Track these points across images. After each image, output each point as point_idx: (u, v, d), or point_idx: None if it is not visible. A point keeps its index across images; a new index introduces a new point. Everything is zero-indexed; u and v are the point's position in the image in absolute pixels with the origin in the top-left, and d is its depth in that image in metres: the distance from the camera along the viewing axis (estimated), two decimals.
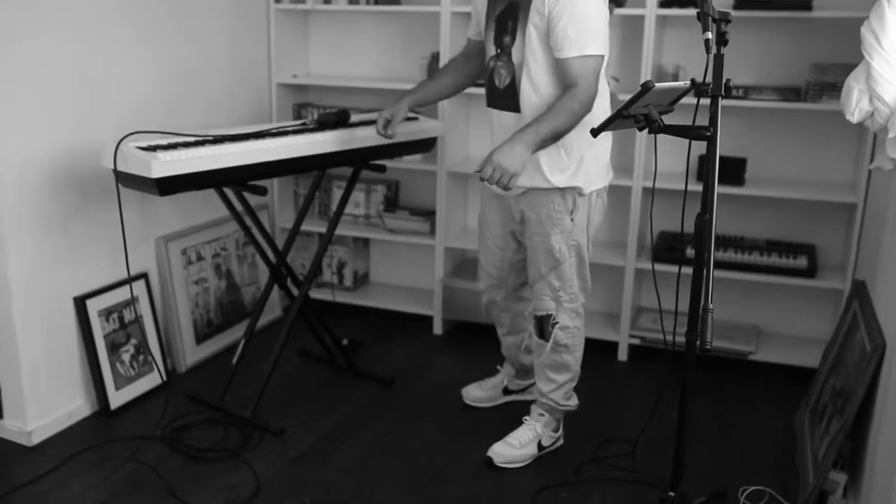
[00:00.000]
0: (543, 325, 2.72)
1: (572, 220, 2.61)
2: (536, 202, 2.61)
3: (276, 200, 4.01)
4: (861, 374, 2.45)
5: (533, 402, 2.91)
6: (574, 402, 2.87)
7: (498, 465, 2.74)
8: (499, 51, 2.56)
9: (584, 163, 2.57)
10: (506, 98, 2.57)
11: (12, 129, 2.62)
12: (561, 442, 2.89)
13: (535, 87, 2.50)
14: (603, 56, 2.45)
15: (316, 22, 4.07)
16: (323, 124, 2.97)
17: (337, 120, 2.98)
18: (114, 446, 2.82)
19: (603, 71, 2.50)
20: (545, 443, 2.82)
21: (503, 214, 2.76)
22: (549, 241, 2.62)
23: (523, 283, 2.91)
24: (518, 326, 3.02)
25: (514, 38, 2.51)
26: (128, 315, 3.12)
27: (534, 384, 3.18)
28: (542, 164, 2.55)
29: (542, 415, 2.83)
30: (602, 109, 2.54)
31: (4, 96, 2.58)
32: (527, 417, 2.86)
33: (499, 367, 3.23)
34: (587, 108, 2.43)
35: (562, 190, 2.57)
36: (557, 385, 2.79)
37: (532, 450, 2.78)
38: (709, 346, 1.79)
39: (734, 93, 3.27)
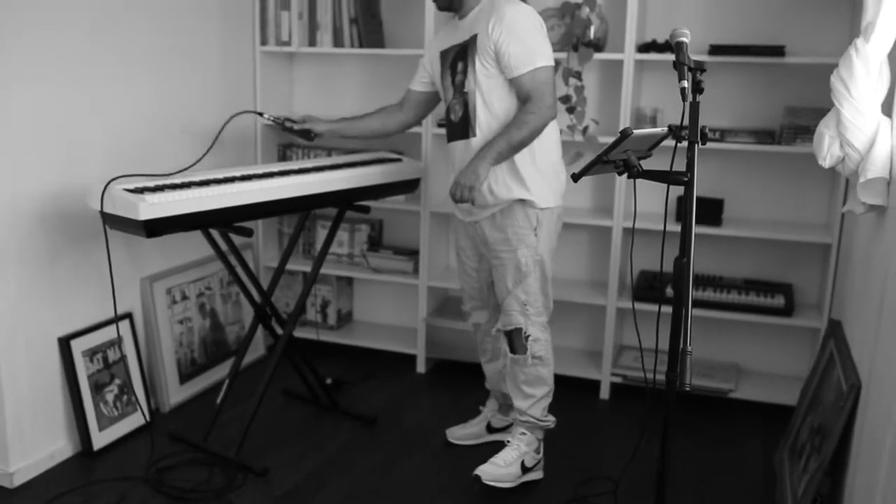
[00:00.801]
0: (515, 340, 2.82)
1: (536, 235, 2.76)
2: (501, 222, 2.77)
3: (261, 239, 4.03)
4: (838, 412, 2.49)
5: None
6: (552, 419, 2.93)
7: (486, 482, 2.77)
8: (454, 91, 2.79)
9: (540, 177, 2.75)
10: (459, 129, 2.79)
11: (2, 172, 2.64)
12: (541, 467, 2.91)
13: (491, 110, 2.71)
14: (551, 66, 2.67)
15: (301, 63, 4.13)
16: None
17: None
18: (96, 488, 2.80)
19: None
20: (528, 463, 2.85)
21: (473, 238, 2.92)
22: (517, 255, 2.76)
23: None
24: (500, 350, 3.05)
25: (465, 75, 2.75)
26: (112, 355, 3.12)
27: None
28: (502, 180, 2.73)
29: (523, 434, 2.88)
30: (550, 127, 2.75)
31: None
32: (509, 439, 2.90)
33: (481, 406, 3.25)
34: (544, 117, 2.65)
35: (523, 206, 2.74)
36: (536, 399, 2.85)
37: (516, 469, 2.81)
38: (687, 388, 1.82)
39: (711, 135, 3.35)
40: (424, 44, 3.56)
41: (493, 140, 2.66)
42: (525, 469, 2.85)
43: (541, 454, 2.92)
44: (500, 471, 2.80)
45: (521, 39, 2.62)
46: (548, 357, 2.85)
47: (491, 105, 2.71)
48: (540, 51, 2.64)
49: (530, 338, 2.80)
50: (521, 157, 2.70)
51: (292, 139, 4.13)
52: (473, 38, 2.70)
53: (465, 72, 2.75)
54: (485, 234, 2.83)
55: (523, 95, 2.65)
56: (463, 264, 3.03)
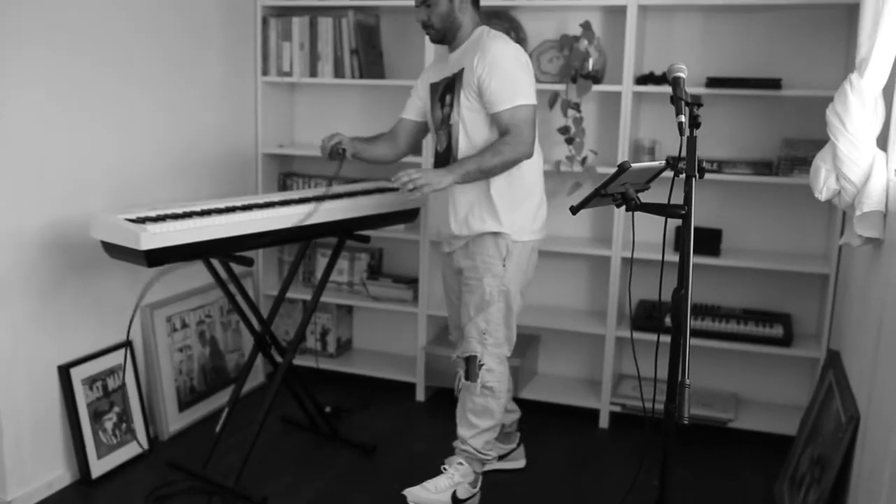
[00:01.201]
0: (470, 366, 2.80)
1: (504, 266, 2.77)
2: (472, 250, 2.81)
3: (261, 267, 4.05)
4: (837, 444, 2.49)
5: (514, 470, 2.92)
6: (494, 453, 2.90)
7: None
8: (441, 122, 2.86)
9: (516, 213, 2.79)
10: (442, 158, 2.86)
11: (3, 199, 2.66)
12: (477, 500, 2.87)
13: (472, 143, 2.77)
14: (533, 105, 2.72)
15: (302, 93, 4.16)
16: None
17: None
18: None
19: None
20: (461, 494, 2.79)
21: (452, 267, 2.97)
22: (482, 283, 2.77)
23: None
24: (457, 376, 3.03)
25: (451, 108, 2.80)
26: (112, 383, 3.13)
27: (515, 449, 3.20)
28: (476, 212, 2.78)
29: (460, 463, 2.83)
30: (533, 165, 2.82)
31: None
32: (445, 466, 2.86)
33: None
34: (519, 152, 2.69)
35: (495, 237, 2.77)
36: (479, 430, 2.81)
37: (446, 498, 2.76)
38: (686, 421, 1.83)
39: (709, 166, 3.38)
40: None
41: (465, 159, 2.71)
42: (456, 500, 2.78)
43: (477, 489, 2.86)
44: (428, 496, 2.74)
45: (503, 76, 2.66)
46: (500, 390, 2.81)
47: (472, 138, 2.77)
48: (521, 89, 2.69)
49: (484, 367, 2.76)
50: (498, 193, 2.75)
51: (293, 168, 4.17)
52: (460, 72, 2.76)
53: (451, 104, 2.80)
54: (458, 263, 2.89)
55: (502, 131, 2.70)
56: (447, 293, 3.08)
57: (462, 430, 2.85)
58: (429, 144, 3.51)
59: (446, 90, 2.82)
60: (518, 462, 3.23)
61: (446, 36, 2.82)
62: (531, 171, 2.82)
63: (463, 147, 2.78)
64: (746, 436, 3.51)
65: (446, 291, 3.09)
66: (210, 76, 3.63)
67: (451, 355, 2.98)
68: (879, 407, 2.22)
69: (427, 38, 2.95)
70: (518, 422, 3.26)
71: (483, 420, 2.81)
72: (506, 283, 2.78)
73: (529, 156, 2.72)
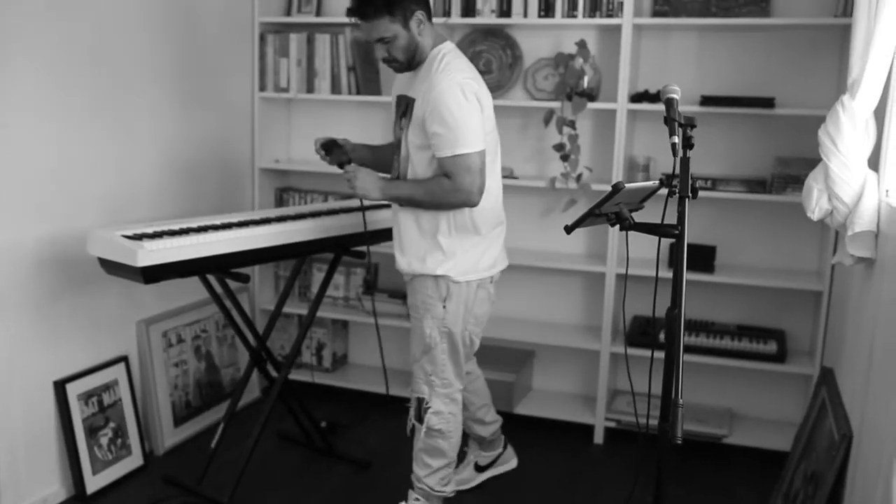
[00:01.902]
0: (419, 408, 2.74)
1: (444, 307, 2.66)
2: (415, 287, 2.71)
3: (257, 282, 4.06)
4: (830, 461, 2.50)
5: (505, 473, 2.91)
6: (450, 488, 2.84)
7: None
8: (397, 143, 2.73)
9: (458, 256, 2.64)
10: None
11: (1, 218, 2.67)
12: None
13: (416, 175, 2.64)
14: (478, 152, 2.51)
15: (299, 109, 4.18)
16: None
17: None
18: None
19: (488, 167, 2.60)
20: None
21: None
22: (422, 324, 2.68)
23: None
24: (466, 400, 2.99)
25: (403, 133, 2.66)
26: (107, 398, 3.13)
27: (502, 453, 3.20)
28: (419, 252, 2.67)
29: (417, 500, 2.82)
30: (483, 211, 2.64)
31: None
32: (404, 502, 2.84)
33: (465, 448, 3.22)
34: (455, 200, 2.54)
35: (435, 278, 2.65)
36: (432, 470, 2.78)
37: None
38: (679, 441, 1.84)
39: (703, 184, 3.40)
40: None
41: (402, 183, 2.63)
42: None
43: None
44: None
45: (445, 122, 2.47)
46: (449, 430, 2.74)
47: (417, 171, 2.63)
48: (463, 137, 2.48)
49: (430, 410, 2.71)
50: (445, 239, 2.63)
51: (290, 183, 4.18)
52: (413, 102, 2.59)
53: (404, 129, 2.66)
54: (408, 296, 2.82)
55: (444, 175, 2.55)
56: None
57: (417, 469, 2.80)
58: None
59: (405, 111, 2.65)
60: (510, 463, 3.23)
61: (412, 63, 2.60)
62: (481, 217, 2.65)
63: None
64: (741, 451, 3.52)
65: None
66: (208, 92, 3.65)
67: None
68: (872, 426, 2.23)
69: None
70: (500, 428, 3.21)
71: (435, 460, 2.77)
72: (447, 324, 2.67)
73: (470, 204, 2.55)
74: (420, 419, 2.74)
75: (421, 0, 2.53)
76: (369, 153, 2.96)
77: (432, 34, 2.60)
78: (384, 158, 2.90)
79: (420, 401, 2.74)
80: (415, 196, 2.59)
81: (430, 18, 2.59)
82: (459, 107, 2.48)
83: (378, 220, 3.17)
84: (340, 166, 2.80)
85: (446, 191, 2.53)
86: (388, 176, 2.76)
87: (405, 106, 2.64)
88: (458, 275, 2.65)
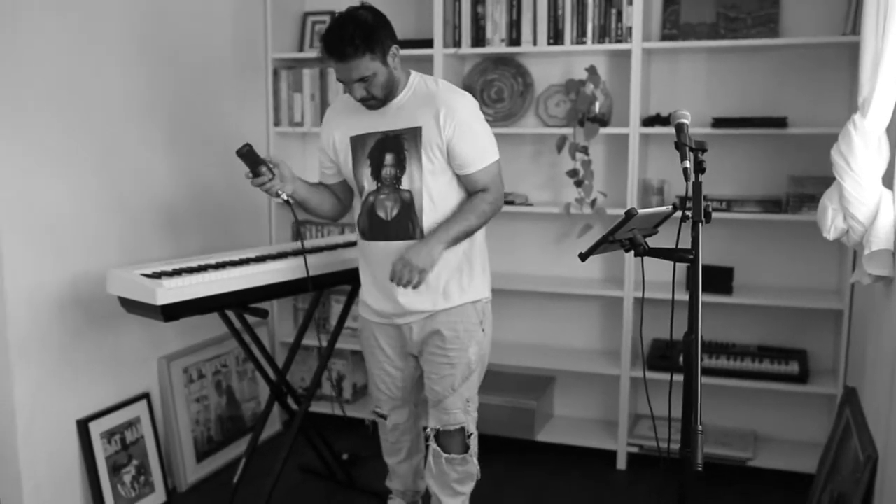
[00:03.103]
0: (457, 439, 2.66)
1: (483, 330, 2.64)
2: (452, 318, 2.58)
3: (276, 315, 4.07)
4: (856, 484, 2.47)
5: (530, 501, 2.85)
6: None
7: None
8: (379, 184, 2.54)
9: (483, 272, 2.66)
10: (398, 228, 2.54)
11: (23, 258, 2.72)
12: None
13: (438, 209, 2.52)
14: (498, 157, 2.58)
15: (313, 143, 4.22)
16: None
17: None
18: None
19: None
20: None
21: (398, 338, 2.69)
22: (467, 353, 2.60)
23: (424, 400, 2.82)
24: (417, 447, 2.94)
25: (401, 169, 2.51)
26: (130, 436, 3.15)
27: None
28: (457, 282, 2.58)
29: None
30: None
31: (17, 229, 2.69)
32: None
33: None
34: (497, 208, 2.58)
35: (473, 303, 2.61)
36: (465, 496, 2.74)
37: None
38: (699, 468, 1.83)
39: (718, 205, 3.40)
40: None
41: (447, 224, 2.51)
42: None
43: None
44: None
45: (475, 135, 2.48)
46: (476, 449, 2.72)
47: (438, 204, 2.52)
48: (491, 145, 2.54)
49: (472, 435, 2.67)
50: (476, 257, 2.61)
51: (306, 216, 4.21)
52: (415, 131, 2.48)
53: (399, 165, 2.51)
54: (416, 335, 2.63)
55: (475, 189, 2.54)
56: (381, 363, 2.75)
57: (448, 500, 2.73)
58: None
59: (386, 148, 2.52)
60: None
61: (387, 99, 2.51)
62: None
63: (429, 215, 2.52)
64: (766, 474, 3.48)
65: (378, 364, 2.76)
66: (223, 128, 3.70)
67: (389, 424, 2.83)
68: None
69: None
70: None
71: (466, 486, 2.74)
72: (485, 347, 2.66)
73: (500, 210, 2.62)
74: (450, 450, 2.67)
75: (393, 33, 2.48)
76: (312, 191, 2.73)
77: (402, 66, 2.55)
78: (325, 203, 2.75)
79: (462, 431, 2.66)
80: (471, 226, 2.52)
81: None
82: (480, 118, 2.53)
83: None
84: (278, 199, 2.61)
85: (492, 204, 2.54)
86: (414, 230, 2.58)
87: (383, 141, 2.52)
88: (486, 293, 2.66)
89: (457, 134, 2.45)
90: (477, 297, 2.62)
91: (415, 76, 2.56)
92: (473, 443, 2.69)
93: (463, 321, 2.59)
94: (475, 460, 2.72)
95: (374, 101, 2.49)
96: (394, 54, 2.45)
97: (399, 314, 2.62)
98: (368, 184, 2.57)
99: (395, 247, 2.54)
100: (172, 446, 3.38)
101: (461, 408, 2.64)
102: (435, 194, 2.52)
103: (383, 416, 2.85)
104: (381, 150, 2.53)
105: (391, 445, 2.91)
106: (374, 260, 2.61)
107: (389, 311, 2.62)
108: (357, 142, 2.57)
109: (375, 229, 2.57)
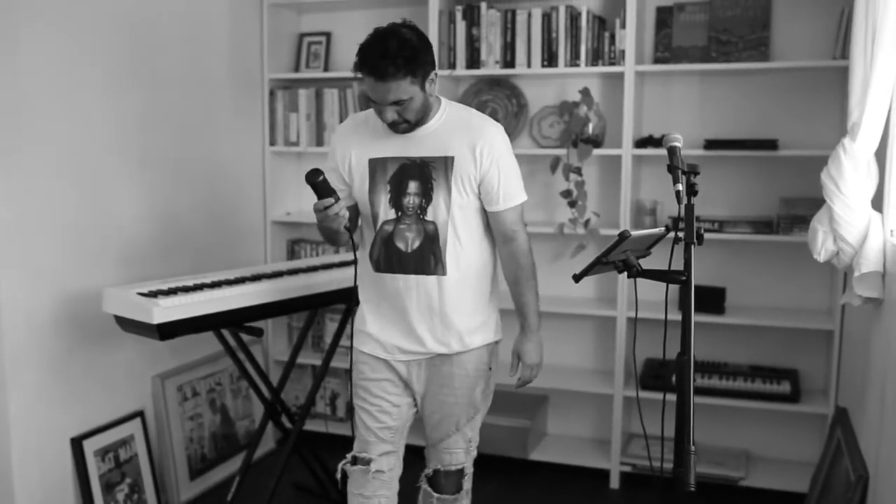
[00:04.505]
0: (451, 479, 2.54)
1: (491, 368, 2.52)
2: (465, 359, 2.45)
3: (270, 333, 4.08)
4: (847, 503, 2.49)
5: None
6: None
7: None
8: (399, 212, 2.34)
9: (497, 313, 2.55)
10: (419, 261, 2.35)
11: (18, 276, 2.73)
12: None
13: (462, 244, 2.36)
14: None
15: (308, 162, 4.24)
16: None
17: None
18: None
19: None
20: None
21: (399, 374, 2.49)
22: (475, 392, 2.48)
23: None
24: (394, 500, 2.63)
25: (427, 199, 2.32)
26: (123, 454, 3.15)
27: None
28: (479, 326, 2.47)
29: None
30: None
31: (12, 246, 2.70)
32: None
33: None
34: (531, 253, 2.46)
35: (488, 344, 2.50)
36: None
37: None
38: (692, 488, 1.84)
39: (710, 226, 3.43)
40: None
41: (529, 306, 2.46)
42: None
43: None
44: None
45: (510, 171, 2.34)
46: (469, 486, 2.60)
47: (461, 239, 2.35)
48: (521, 184, 2.40)
49: (467, 476, 2.56)
50: (492, 295, 2.50)
51: (301, 234, 4.23)
52: (446, 160, 2.30)
53: (425, 195, 2.32)
54: (429, 371, 2.47)
55: (505, 229, 2.39)
56: (377, 400, 2.49)
57: None
58: None
59: (410, 175, 2.32)
60: None
61: (418, 124, 2.31)
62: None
63: (452, 250, 2.34)
64: (758, 494, 3.49)
65: (374, 398, 2.49)
66: (219, 147, 3.72)
67: (371, 470, 2.51)
68: (888, 467, 2.23)
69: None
70: None
71: None
72: (490, 386, 2.54)
73: None
74: (443, 490, 2.54)
75: (434, 58, 2.28)
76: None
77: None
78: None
79: (461, 471, 2.54)
80: (536, 286, 2.47)
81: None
82: (512, 152, 2.39)
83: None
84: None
85: (525, 252, 2.43)
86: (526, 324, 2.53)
87: (409, 168, 2.32)
88: (501, 334, 2.56)
89: (493, 168, 2.31)
90: (495, 338, 2.52)
91: (445, 102, 2.38)
92: (468, 482, 2.60)
93: (475, 361, 2.47)
94: (467, 501, 2.62)
95: (405, 126, 2.29)
96: (432, 80, 2.26)
97: (417, 353, 2.44)
98: (384, 212, 2.35)
99: (418, 281, 2.36)
100: (166, 464, 3.38)
101: (463, 447, 2.53)
102: (460, 228, 2.34)
103: (366, 462, 2.51)
104: (404, 176, 2.33)
105: (363, 501, 2.51)
106: (390, 294, 2.40)
107: (408, 349, 2.43)
108: (376, 165, 2.35)
109: (392, 261, 2.36)
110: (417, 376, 2.48)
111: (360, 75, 2.22)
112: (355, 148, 2.39)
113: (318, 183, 2.21)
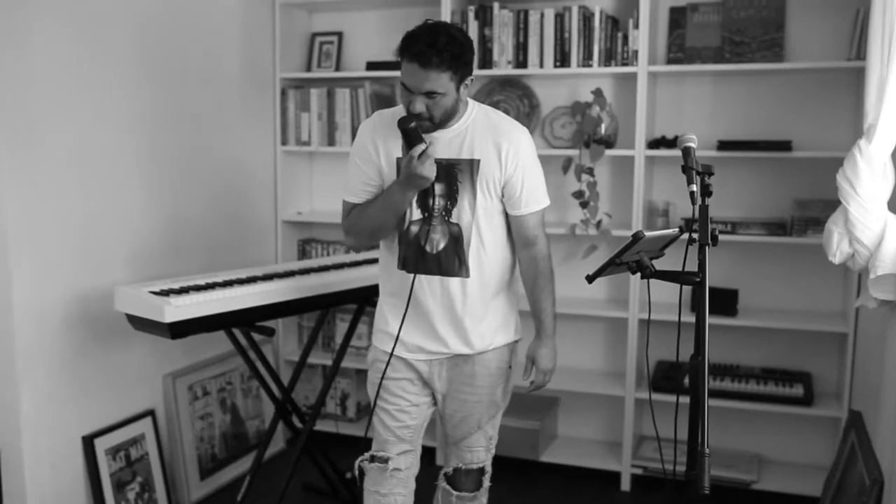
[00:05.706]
0: (471, 477, 2.58)
1: (511, 367, 2.54)
2: (487, 358, 2.47)
3: (281, 333, 4.08)
4: None
5: None
6: None
7: None
8: (426, 214, 2.35)
9: (517, 313, 2.57)
10: (443, 263, 2.36)
11: (31, 275, 2.73)
12: None
13: (485, 246, 2.37)
14: None
15: (320, 161, 4.25)
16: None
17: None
18: None
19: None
20: None
21: (419, 373, 2.49)
22: (496, 391, 2.50)
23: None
24: (410, 498, 2.63)
25: (453, 201, 2.34)
26: (134, 453, 3.15)
27: None
28: (504, 326, 2.50)
29: None
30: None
31: (25, 245, 2.71)
32: None
33: None
34: (550, 258, 2.47)
35: (509, 343, 2.52)
36: None
37: None
38: (706, 491, 1.83)
39: (723, 227, 3.41)
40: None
41: (546, 312, 2.46)
42: None
43: None
44: None
45: (535, 175, 2.36)
46: (487, 484, 2.63)
47: (484, 241, 2.36)
48: (545, 188, 2.42)
49: (487, 474, 2.59)
50: (513, 302, 2.53)
51: (312, 234, 4.23)
52: (472, 163, 2.31)
53: (452, 197, 2.33)
54: (451, 370, 2.47)
55: (526, 233, 2.39)
56: (397, 399, 2.49)
57: None
58: None
59: (438, 176, 2.28)
60: None
61: (440, 125, 2.28)
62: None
63: (475, 252, 2.36)
64: (770, 497, 3.47)
65: (394, 398, 2.49)
66: (230, 146, 3.72)
67: (389, 468, 2.49)
68: None
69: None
70: None
71: None
72: (510, 384, 2.56)
73: None
74: (462, 488, 2.58)
75: (473, 63, 2.28)
76: None
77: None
78: None
79: (481, 469, 2.57)
80: (554, 292, 2.47)
81: None
82: (537, 160, 2.40)
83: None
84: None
85: (545, 258, 2.44)
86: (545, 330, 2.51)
87: (447, 169, 2.31)
88: (521, 333, 2.57)
89: (518, 170, 2.32)
90: (516, 337, 2.54)
91: (473, 104, 2.37)
92: (486, 480, 2.62)
93: (497, 360, 2.48)
94: (485, 500, 2.65)
95: (428, 124, 2.25)
96: (467, 84, 2.27)
97: (439, 353, 2.45)
98: (412, 211, 2.36)
99: (442, 283, 2.37)
100: (176, 463, 3.38)
101: (484, 445, 2.56)
102: (484, 231, 2.36)
103: (384, 460, 2.50)
104: (446, 176, 2.34)
105: (379, 499, 2.51)
106: (418, 292, 2.40)
107: (430, 349, 2.44)
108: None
109: (419, 261, 2.37)
110: (439, 375, 2.47)
111: (405, 62, 2.18)
112: (384, 144, 2.37)
113: (409, 129, 2.18)
